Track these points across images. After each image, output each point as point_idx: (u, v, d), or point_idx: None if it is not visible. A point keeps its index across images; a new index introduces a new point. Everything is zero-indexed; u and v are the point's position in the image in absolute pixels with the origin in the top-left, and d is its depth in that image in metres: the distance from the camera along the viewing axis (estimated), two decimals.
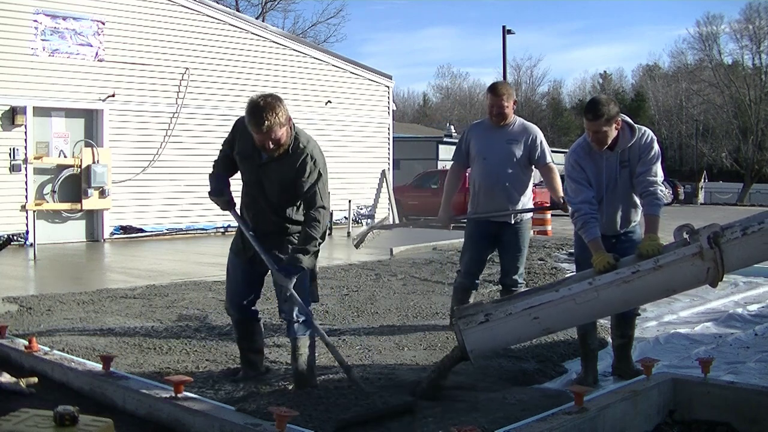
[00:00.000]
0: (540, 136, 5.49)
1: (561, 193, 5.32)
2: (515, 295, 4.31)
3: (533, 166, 5.53)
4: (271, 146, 3.85)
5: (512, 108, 5.45)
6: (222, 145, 4.26)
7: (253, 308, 4.34)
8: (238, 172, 4.22)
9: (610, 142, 4.15)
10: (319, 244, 3.95)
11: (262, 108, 3.77)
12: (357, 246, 6.48)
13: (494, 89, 5.44)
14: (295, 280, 3.90)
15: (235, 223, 4.34)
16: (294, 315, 4.03)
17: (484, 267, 5.68)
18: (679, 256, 3.71)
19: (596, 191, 4.25)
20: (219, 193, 4.17)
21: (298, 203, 4.04)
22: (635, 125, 4.24)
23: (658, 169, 4.21)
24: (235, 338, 4.54)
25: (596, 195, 4.25)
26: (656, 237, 3.97)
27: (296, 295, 3.94)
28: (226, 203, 4.18)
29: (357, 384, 3.97)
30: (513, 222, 5.47)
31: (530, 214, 5.65)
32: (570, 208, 4.29)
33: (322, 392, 4.00)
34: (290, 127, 3.91)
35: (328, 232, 4.38)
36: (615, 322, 4.56)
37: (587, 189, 4.21)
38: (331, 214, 15.16)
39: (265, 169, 4.00)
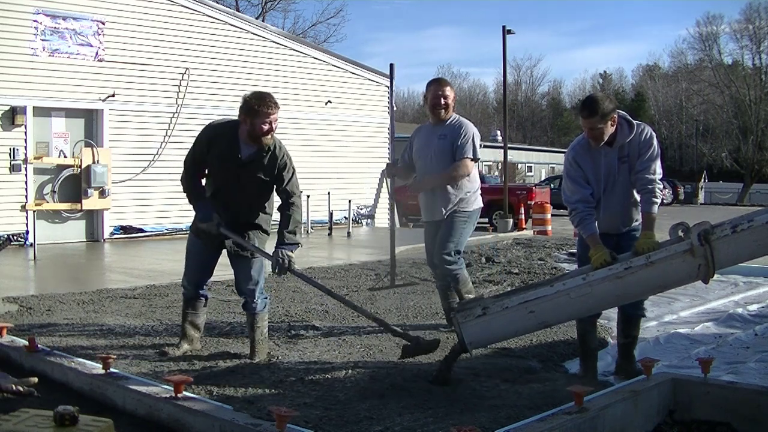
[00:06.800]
0: (470, 132, 5.49)
1: (428, 184, 5.50)
2: (513, 290, 4.39)
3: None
4: (268, 129, 4.45)
5: (452, 102, 5.55)
6: (187, 166, 4.66)
7: (205, 287, 4.98)
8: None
9: (606, 138, 4.17)
10: (301, 226, 4.64)
11: (267, 94, 4.51)
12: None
13: (438, 79, 5.63)
14: (294, 255, 4.59)
15: None
16: (255, 294, 4.72)
17: None
18: (670, 253, 3.79)
19: (595, 188, 4.27)
20: (209, 217, 4.57)
21: (270, 196, 4.70)
22: (633, 121, 4.25)
23: (657, 166, 4.22)
24: (181, 311, 5.06)
25: (596, 192, 4.27)
26: (652, 234, 4.02)
27: (294, 267, 4.60)
28: (217, 225, 4.57)
29: (390, 328, 4.56)
30: (445, 216, 5.52)
31: (474, 206, 5.60)
32: (568, 208, 4.33)
33: (322, 391, 4.01)
34: None
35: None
36: (620, 322, 4.58)
37: (584, 188, 4.24)
38: (331, 214, 15.21)
39: (246, 169, 4.53)
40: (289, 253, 4.55)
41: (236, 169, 4.53)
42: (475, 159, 5.51)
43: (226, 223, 4.60)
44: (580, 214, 4.18)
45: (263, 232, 4.76)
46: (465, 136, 5.47)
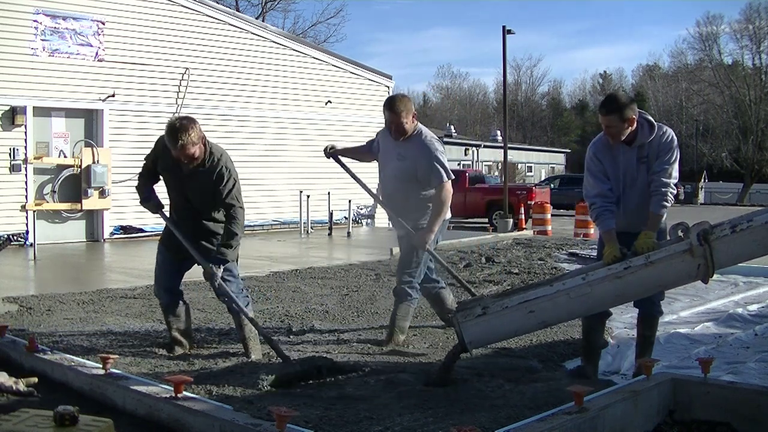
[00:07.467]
0: (430, 155, 5.12)
1: (433, 230, 5.13)
2: (513, 289, 4.38)
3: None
4: (185, 161, 4.54)
5: (411, 121, 5.16)
6: (145, 160, 4.99)
7: (179, 290, 5.04)
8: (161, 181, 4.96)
9: (623, 137, 4.18)
10: (240, 237, 4.72)
11: (177, 129, 4.46)
12: None
13: (392, 106, 5.11)
14: (222, 269, 4.64)
15: None
16: (232, 296, 4.73)
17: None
18: (669, 253, 3.80)
19: (615, 185, 4.28)
20: (147, 199, 4.91)
21: (218, 206, 4.73)
22: (655, 122, 4.24)
23: (674, 170, 4.21)
24: (164, 319, 5.12)
25: (615, 189, 4.27)
26: (653, 234, 4.04)
27: (224, 284, 4.66)
28: (155, 206, 4.88)
29: (281, 353, 4.52)
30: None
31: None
32: (587, 203, 4.34)
33: (322, 391, 4.01)
34: (204, 144, 4.61)
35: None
36: (638, 321, 4.57)
37: (602, 183, 4.25)
38: (331, 214, 15.20)
39: (188, 181, 4.69)
40: (215, 268, 4.60)
41: (180, 182, 4.72)
42: (450, 178, 5.21)
43: (185, 233, 4.75)
44: (598, 209, 4.19)
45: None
46: (430, 158, 5.13)
